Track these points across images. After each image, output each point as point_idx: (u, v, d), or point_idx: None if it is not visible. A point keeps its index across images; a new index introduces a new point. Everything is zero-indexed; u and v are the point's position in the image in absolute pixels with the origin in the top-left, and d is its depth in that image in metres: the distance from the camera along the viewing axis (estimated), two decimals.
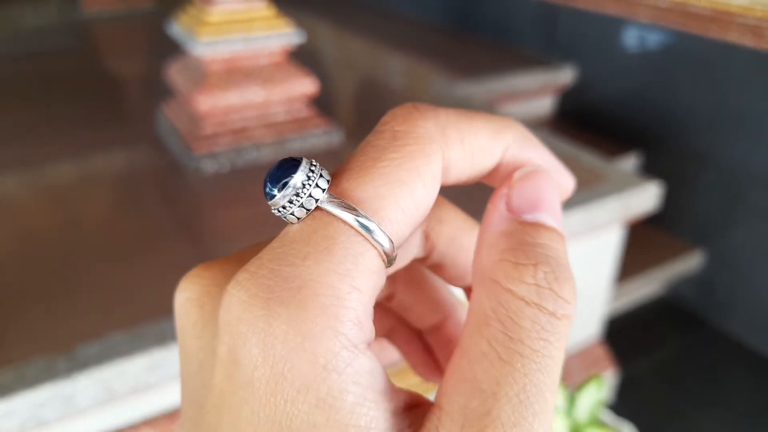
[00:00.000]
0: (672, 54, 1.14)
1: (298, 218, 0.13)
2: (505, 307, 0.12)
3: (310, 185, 0.13)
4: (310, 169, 0.13)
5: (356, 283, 0.12)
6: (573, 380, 0.89)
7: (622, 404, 0.99)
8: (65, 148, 0.94)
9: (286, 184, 0.13)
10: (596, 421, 0.75)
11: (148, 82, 1.27)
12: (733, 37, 0.96)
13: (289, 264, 0.12)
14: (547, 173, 0.15)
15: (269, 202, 0.13)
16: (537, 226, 0.14)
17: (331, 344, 0.11)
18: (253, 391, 0.12)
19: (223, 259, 0.15)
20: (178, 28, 0.89)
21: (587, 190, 0.78)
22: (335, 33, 1.65)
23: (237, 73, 0.86)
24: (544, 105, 1.39)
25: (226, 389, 0.12)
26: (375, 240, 0.13)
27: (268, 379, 0.11)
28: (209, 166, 0.83)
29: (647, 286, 1.19)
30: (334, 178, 0.14)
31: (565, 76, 1.33)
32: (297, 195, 0.13)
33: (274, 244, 0.13)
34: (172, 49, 1.04)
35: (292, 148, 0.88)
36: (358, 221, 0.12)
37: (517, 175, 0.15)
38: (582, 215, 0.75)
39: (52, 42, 1.58)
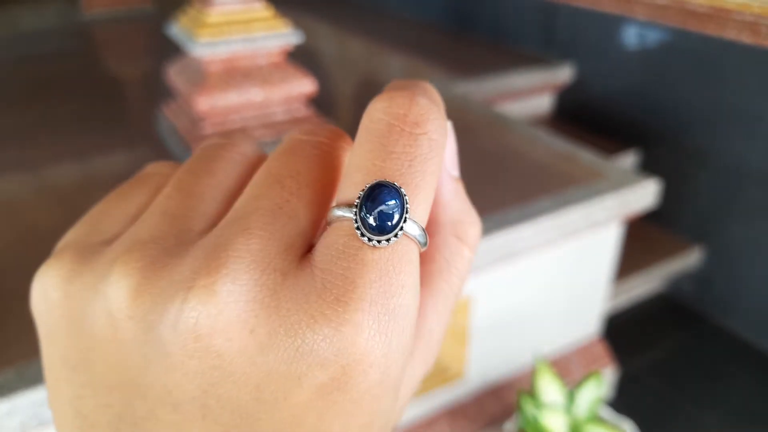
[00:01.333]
0: (670, 51, 1.14)
1: (383, 245, 0.14)
2: (460, 257, 0.17)
3: (405, 219, 0.14)
4: (405, 201, 0.14)
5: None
6: (573, 377, 0.89)
7: (621, 401, 1.00)
8: (65, 150, 0.94)
9: (389, 217, 0.13)
10: (596, 418, 0.75)
11: (148, 84, 1.27)
12: (731, 34, 0.97)
13: (393, 296, 0.13)
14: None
15: (363, 220, 0.13)
16: (459, 181, 0.18)
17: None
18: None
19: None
20: (177, 29, 0.90)
21: (586, 187, 0.78)
22: (333, 33, 1.65)
23: (236, 74, 0.86)
24: (542, 103, 1.39)
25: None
26: (423, 247, 0.15)
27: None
28: None
29: (646, 283, 1.20)
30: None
31: (564, 74, 1.33)
32: (394, 228, 0.14)
33: (372, 277, 0.13)
34: (172, 50, 1.04)
35: None
36: (424, 234, 0.14)
37: None
38: (581, 212, 0.75)
39: (52, 44, 1.58)
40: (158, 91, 1.08)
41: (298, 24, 0.95)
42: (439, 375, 0.79)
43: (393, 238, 0.13)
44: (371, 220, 0.13)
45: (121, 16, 1.80)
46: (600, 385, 0.76)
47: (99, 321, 0.14)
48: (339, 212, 0.14)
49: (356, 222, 0.13)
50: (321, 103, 0.97)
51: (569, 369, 0.91)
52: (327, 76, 1.27)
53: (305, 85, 0.89)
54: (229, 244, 0.13)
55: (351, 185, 0.14)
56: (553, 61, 1.35)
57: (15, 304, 0.59)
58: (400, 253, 0.14)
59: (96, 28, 1.72)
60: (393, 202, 0.13)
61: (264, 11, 0.88)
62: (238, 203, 0.15)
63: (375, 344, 0.13)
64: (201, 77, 0.85)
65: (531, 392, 0.75)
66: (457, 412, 0.83)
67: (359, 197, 0.14)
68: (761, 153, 1.04)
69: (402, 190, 0.14)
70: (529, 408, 0.73)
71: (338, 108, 1.11)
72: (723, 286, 1.17)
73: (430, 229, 0.17)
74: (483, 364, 0.83)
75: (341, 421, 0.13)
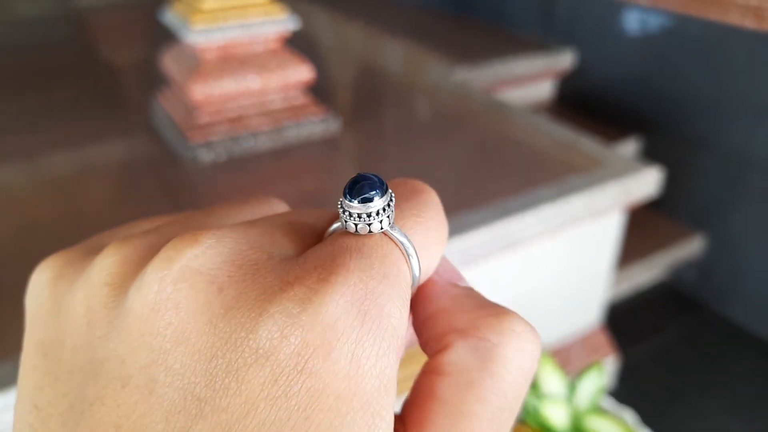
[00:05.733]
0: (672, 37, 1.13)
1: (362, 232, 0.13)
2: (496, 364, 0.13)
3: (389, 210, 0.14)
4: (390, 198, 0.14)
5: (408, 310, 0.13)
6: (574, 367, 0.89)
7: (623, 390, 0.99)
8: (60, 138, 0.93)
9: (369, 199, 0.13)
10: (597, 408, 0.75)
11: (144, 72, 1.26)
12: (734, 19, 0.95)
13: (374, 279, 0.12)
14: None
15: (347, 207, 0.14)
16: (473, 288, 0.16)
17: (393, 362, 0.12)
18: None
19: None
20: (171, 16, 0.88)
21: (587, 175, 0.78)
22: (331, 19, 1.64)
23: (232, 61, 0.85)
24: (543, 90, 1.38)
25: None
26: (413, 272, 0.14)
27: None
28: (206, 156, 0.82)
29: (648, 272, 1.19)
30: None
31: (565, 60, 1.32)
32: (376, 214, 0.13)
33: (352, 254, 0.13)
34: (168, 37, 1.03)
35: (289, 135, 0.87)
36: (415, 255, 0.14)
37: None
38: (582, 200, 0.74)
39: (47, 31, 1.57)
40: (154, 80, 1.07)
41: (295, 9, 0.94)
42: None
43: (375, 220, 0.13)
44: (355, 203, 0.13)
45: (117, 2, 1.79)
46: (601, 376, 0.75)
47: (78, 295, 0.13)
48: (333, 226, 0.14)
49: (340, 207, 0.13)
50: (319, 90, 0.95)
51: (570, 359, 0.91)
52: (325, 63, 1.25)
53: (303, 72, 0.88)
54: (219, 211, 0.14)
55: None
56: (554, 47, 1.33)
57: (11, 294, 0.58)
58: (385, 247, 0.13)
59: (91, 15, 1.71)
60: (375, 190, 0.14)
61: None
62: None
63: (345, 314, 0.11)
64: (196, 65, 0.84)
65: (532, 383, 0.75)
66: None
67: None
68: (763, 140, 1.03)
69: (387, 187, 0.14)
70: (530, 398, 0.72)
71: (336, 95, 1.09)
72: (724, 274, 1.16)
73: (442, 342, 0.14)
74: None
75: (299, 415, 0.11)
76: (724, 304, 1.17)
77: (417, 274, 0.14)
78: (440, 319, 0.15)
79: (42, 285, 0.14)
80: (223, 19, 0.83)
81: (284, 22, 0.87)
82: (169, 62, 0.91)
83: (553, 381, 0.74)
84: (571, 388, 0.75)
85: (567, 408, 0.73)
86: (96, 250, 0.15)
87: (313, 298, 0.11)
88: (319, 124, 0.89)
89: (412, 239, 0.14)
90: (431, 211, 0.15)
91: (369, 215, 0.13)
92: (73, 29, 1.61)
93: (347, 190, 0.14)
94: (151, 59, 1.11)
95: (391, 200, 0.14)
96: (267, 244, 0.13)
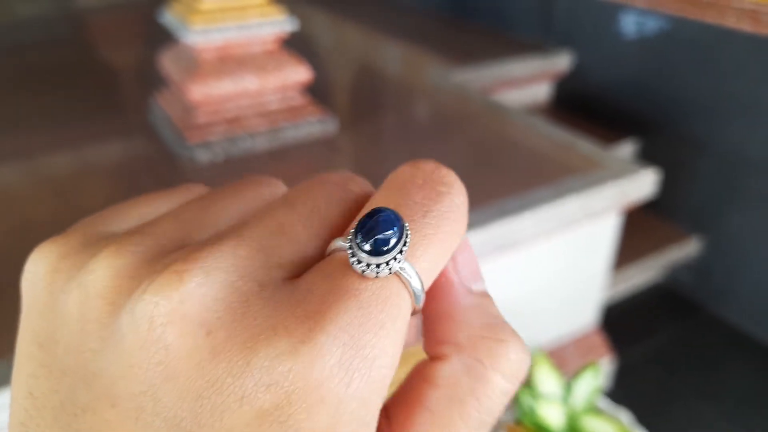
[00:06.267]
0: (669, 40, 1.13)
1: (369, 275, 0.13)
2: (483, 386, 0.14)
3: (402, 249, 0.13)
4: (406, 237, 0.13)
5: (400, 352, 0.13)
6: (570, 368, 0.89)
7: (619, 391, 1.00)
8: (59, 139, 0.93)
9: (384, 244, 0.13)
10: (593, 409, 0.75)
11: (142, 72, 1.26)
12: (731, 22, 0.96)
13: (369, 332, 0.12)
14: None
15: (356, 248, 0.13)
16: (487, 296, 0.16)
17: (376, 409, 0.12)
18: None
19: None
20: (170, 16, 0.89)
21: (584, 177, 0.78)
22: (329, 20, 1.64)
23: (230, 62, 0.85)
24: (540, 92, 1.38)
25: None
26: (417, 303, 0.13)
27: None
28: (203, 156, 0.82)
29: (644, 273, 1.19)
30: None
31: (562, 62, 1.32)
32: (391, 260, 0.13)
33: (349, 303, 0.12)
34: (166, 38, 1.03)
35: (287, 136, 0.87)
36: (422, 289, 0.13)
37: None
38: (579, 202, 0.74)
39: (45, 32, 1.57)
40: (152, 80, 1.07)
41: (293, 11, 0.94)
42: None
43: (384, 267, 0.13)
44: (367, 246, 0.12)
45: (116, 2, 1.79)
46: (597, 376, 0.76)
47: (73, 297, 0.13)
48: (338, 243, 0.13)
49: (349, 244, 0.13)
50: (317, 91, 0.96)
51: (566, 359, 0.91)
52: (323, 65, 1.26)
53: (301, 73, 0.88)
54: (216, 244, 0.13)
55: (357, 220, 0.13)
56: (551, 49, 1.34)
57: (10, 294, 0.58)
58: (389, 290, 0.13)
59: (90, 15, 1.71)
60: (391, 231, 0.13)
61: None
62: (246, 216, 0.14)
63: (332, 377, 0.11)
64: (194, 65, 0.84)
65: (528, 383, 0.75)
66: None
67: (356, 226, 0.13)
68: (760, 142, 1.03)
69: (405, 223, 0.13)
70: (526, 399, 0.73)
71: (334, 96, 1.10)
72: (721, 276, 1.16)
73: (441, 349, 0.15)
74: None
75: None
76: (721, 305, 1.18)
77: (420, 303, 0.13)
78: (445, 326, 0.15)
79: (38, 276, 0.15)
80: (221, 20, 0.83)
81: (282, 24, 0.87)
82: (168, 62, 0.91)
83: (550, 381, 0.74)
84: (567, 388, 0.75)
85: (563, 408, 0.73)
86: (92, 243, 0.15)
87: (300, 350, 0.11)
88: (316, 125, 0.89)
89: (422, 263, 0.13)
90: (450, 221, 0.14)
91: (379, 265, 0.13)
92: (71, 30, 1.61)
93: (359, 228, 0.13)
94: (149, 59, 1.11)
95: (406, 239, 0.13)
96: (258, 271, 0.13)
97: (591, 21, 1.28)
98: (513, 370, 0.14)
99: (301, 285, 0.13)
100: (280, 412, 0.11)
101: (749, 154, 1.05)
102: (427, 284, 0.14)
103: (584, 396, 0.75)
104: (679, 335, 1.14)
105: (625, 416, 0.77)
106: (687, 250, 1.16)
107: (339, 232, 0.14)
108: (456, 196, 0.15)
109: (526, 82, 1.33)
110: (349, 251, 0.13)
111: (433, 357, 0.15)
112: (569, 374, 0.86)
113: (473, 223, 0.68)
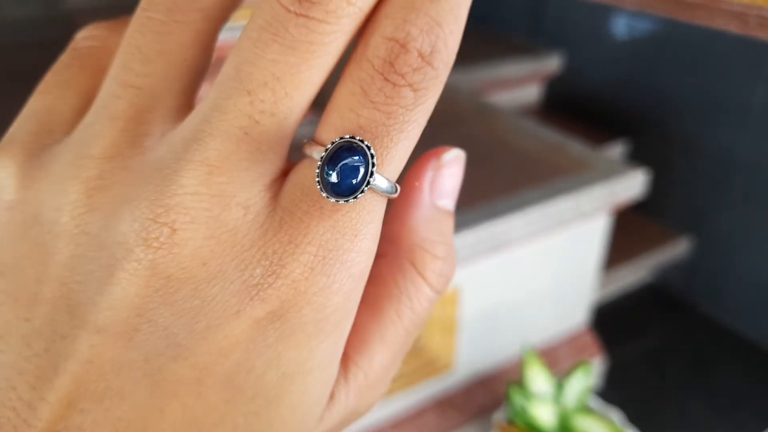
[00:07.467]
0: (659, 41, 1.14)
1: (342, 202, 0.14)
2: (416, 289, 0.16)
3: (368, 183, 0.14)
4: (372, 160, 0.14)
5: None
6: (561, 367, 0.89)
7: (610, 391, 1.00)
8: None
9: (351, 180, 0.14)
10: (584, 408, 0.75)
11: None
12: (719, 23, 0.96)
13: (346, 241, 0.13)
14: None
15: (323, 178, 0.14)
16: (448, 215, 0.17)
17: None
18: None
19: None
20: None
21: (574, 177, 0.78)
22: None
23: (222, 64, 0.85)
24: (530, 93, 1.38)
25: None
26: (392, 194, 0.14)
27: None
28: None
29: (634, 273, 1.20)
30: None
31: (553, 63, 1.32)
32: (357, 187, 0.14)
33: (325, 223, 0.13)
34: None
35: None
36: (393, 187, 0.14)
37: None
38: (569, 203, 0.75)
39: (36, 34, 1.56)
40: None
41: None
42: (427, 367, 0.79)
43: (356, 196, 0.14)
44: (333, 177, 0.13)
45: (106, 4, 1.78)
46: (588, 375, 0.76)
47: (46, 228, 0.13)
48: (311, 151, 0.15)
49: (318, 180, 0.14)
50: None
51: (558, 359, 0.91)
52: None
53: None
54: (185, 175, 0.13)
55: (326, 125, 0.15)
56: (541, 50, 1.34)
57: None
58: (361, 205, 0.14)
59: (82, 17, 1.70)
60: (357, 157, 0.13)
61: None
62: (198, 111, 0.15)
63: (315, 283, 0.13)
64: None
65: (520, 383, 0.75)
66: (445, 403, 0.83)
67: (322, 157, 0.14)
68: (749, 143, 1.04)
69: (370, 149, 0.14)
70: (517, 398, 0.73)
71: (328, 97, 1.09)
72: (711, 276, 1.17)
73: (390, 249, 0.16)
74: (472, 355, 0.83)
75: (266, 357, 0.13)
76: (711, 304, 1.18)
77: (396, 193, 0.14)
78: (394, 225, 0.16)
79: (2, 199, 0.14)
80: None
81: None
82: None
83: (541, 381, 0.74)
84: (559, 387, 0.75)
85: (554, 407, 0.73)
86: (51, 156, 0.14)
87: (285, 274, 0.13)
88: (307, 125, 0.89)
89: (391, 167, 0.14)
90: (417, 110, 0.16)
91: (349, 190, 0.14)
92: (63, 32, 1.60)
93: (327, 160, 0.14)
94: None
95: (373, 163, 0.13)
96: (238, 194, 0.13)
97: (581, 23, 1.29)
98: (438, 285, 0.16)
99: (281, 203, 0.14)
100: (274, 315, 0.13)
101: (738, 154, 1.06)
102: (399, 171, 0.15)
103: (576, 395, 0.75)
104: (670, 334, 1.15)
105: (616, 415, 0.77)
106: (677, 249, 1.17)
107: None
108: (419, 83, 0.15)
109: (516, 84, 1.33)
110: (319, 187, 0.14)
111: (380, 254, 0.16)
112: (560, 373, 0.87)
113: (463, 224, 0.68)
